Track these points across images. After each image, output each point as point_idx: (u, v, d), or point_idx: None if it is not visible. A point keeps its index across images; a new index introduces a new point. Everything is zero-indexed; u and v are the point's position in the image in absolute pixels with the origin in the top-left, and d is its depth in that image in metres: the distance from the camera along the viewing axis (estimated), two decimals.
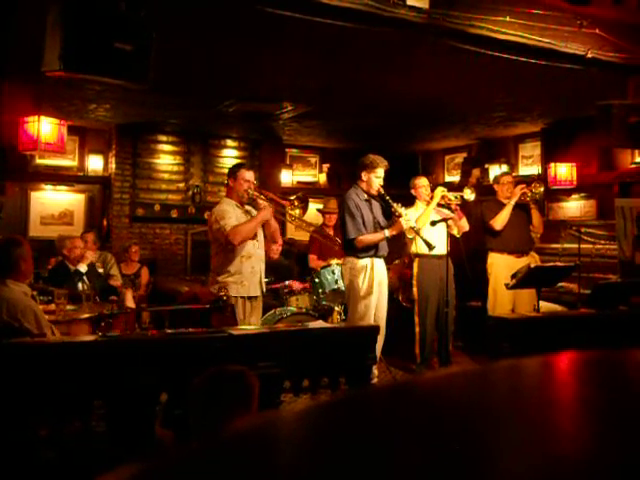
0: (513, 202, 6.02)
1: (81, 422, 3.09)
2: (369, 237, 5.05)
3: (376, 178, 5.17)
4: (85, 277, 6.05)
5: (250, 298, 4.72)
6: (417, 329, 5.96)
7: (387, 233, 5.05)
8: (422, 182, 6.02)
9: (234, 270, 4.67)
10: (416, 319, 5.95)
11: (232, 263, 4.67)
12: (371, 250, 5.08)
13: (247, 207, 4.92)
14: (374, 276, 5.06)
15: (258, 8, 4.10)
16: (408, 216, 5.08)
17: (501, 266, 6.04)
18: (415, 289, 5.95)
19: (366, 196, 5.19)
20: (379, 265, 5.14)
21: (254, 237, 4.74)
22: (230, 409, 2.13)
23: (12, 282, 3.53)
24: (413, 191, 6.04)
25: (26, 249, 3.64)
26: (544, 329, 4.51)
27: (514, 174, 8.33)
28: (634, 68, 5.37)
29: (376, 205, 5.26)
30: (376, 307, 5.12)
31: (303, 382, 3.70)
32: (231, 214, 4.68)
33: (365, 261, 5.06)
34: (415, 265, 5.97)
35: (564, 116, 7.76)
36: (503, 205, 6.11)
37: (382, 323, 5.02)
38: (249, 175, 4.84)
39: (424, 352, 5.92)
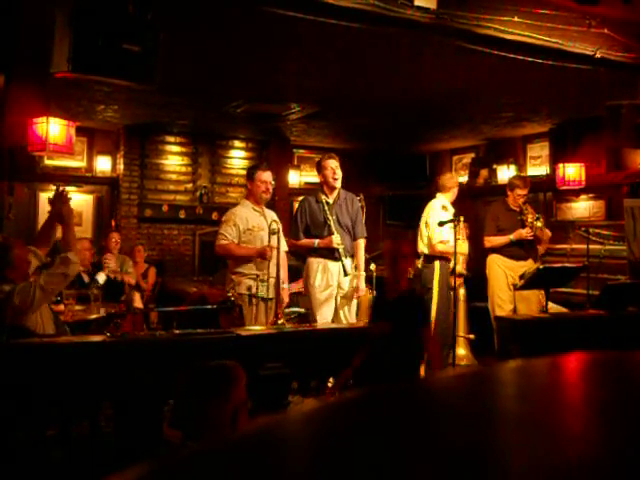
0: (512, 238, 5.92)
1: (89, 422, 3.10)
2: (301, 242, 5.07)
3: (328, 172, 5.05)
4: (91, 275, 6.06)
5: (265, 300, 4.73)
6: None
7: (316, 244, 4.97)
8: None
9: (249, 271, 4.72)
10: (432, 320, 5.80)
11: (249, 264, 4.72)
12: (323, 251, 4.98)
13: (266, 210, 4.96)
14: (329, 278, 4.97)
15: (265, 9, 4.11)
16: (338, 238, 4.91)
17: (499, 267, 6.01)
18: (435, 294, 5.81)
19: (326, 199, 5.04)
20: (334, 268, 4.97)
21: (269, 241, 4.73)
22: (210, 399, 2.27)
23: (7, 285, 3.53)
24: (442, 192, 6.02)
25: (15, 254, 3.59)
26: (553, 330, 4.49)
27: (522, 174, 8.30)
28: None
29: (342, 207, 5.09)
30: (336, 310, 5.02)
31: (311, 383, 3.70)
32: (236, 221, 4.76)
33: (319, 261, 4.99)
34: (437, 268, 5.81)
35: (572, 116, 7.73)
36: (510, 211, 6.05)
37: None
38: (265, 176, 4.89)
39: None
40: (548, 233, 6.08)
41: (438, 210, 5.82)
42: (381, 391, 0.61)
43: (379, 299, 4.04)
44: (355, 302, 5.19)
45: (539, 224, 5.89)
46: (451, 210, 5.90)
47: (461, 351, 6.61)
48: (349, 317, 5.08)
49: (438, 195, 6.01)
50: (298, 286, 6.18)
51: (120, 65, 3.55)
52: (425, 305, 3.85)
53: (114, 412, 3.15)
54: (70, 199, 3.85)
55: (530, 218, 5.91)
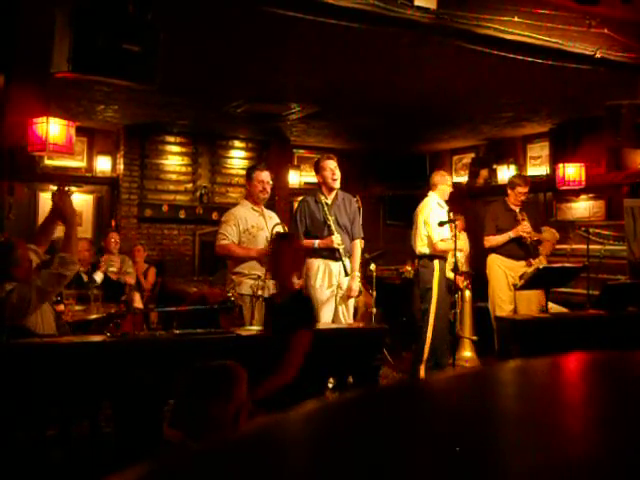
0: (512, 235, 5.94)
1: (89, 422, 3.10)
2: (304, 242, 4.95)
3: (327, 173, 5.04)
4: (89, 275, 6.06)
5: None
6: (428, 334, 5.66)
7: (316, 244, 4.93)
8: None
9: (249, 270, 4.72)
10: (431, 320, 5.66)
11: (248, 263, 4.73)
12: (324, 252, 4.96)
13: (265, 211, 4.96)
14: (331, 278, 4.96)
15: (265, 9, 4.11)
16: (338, 238, 4.92)
17: (500, 268, 6.01)
18: (435, 294, 5.71)
19: (325, 199, 5.03)
20: (335, 269, 4.98)
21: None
22: (211, 399, 2.27)
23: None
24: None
25: (19, 253, 3.59)
26: (553, 330, 4.49)
27: (522, 174, 8.30)
28: None
29: (340, 208, 5.09)
30: (335, 310, 4.99)
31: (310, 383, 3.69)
32: (236, 221, 4.77)
33: (319, 261, 4.96)
34: (436, 268, 5.72)
35: (572, 116, 7.74)
36: (509, 211, 6.05)
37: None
38: (263, 176, 4.90)
39: (432, 356, 5.78)
40: (556, 235, 6.08)
41: (436, 208, 5.80)
42: (382, 390, 0.61)
43: (268, 302, 3.88)
44: (352, 302, 5.19)
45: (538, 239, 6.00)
46: (445, 207, 5.89)
47: (467, 353, 6.60)
48: (347, 317, 5.08)
49: (430, 193, 5.99)
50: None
51: (120, 65, 3.55)
52: (308, 310, 3.49)
53: (114, 412, 3.15)
54: (72, 193, 3.86)
55: (529, 237, 5.93)
